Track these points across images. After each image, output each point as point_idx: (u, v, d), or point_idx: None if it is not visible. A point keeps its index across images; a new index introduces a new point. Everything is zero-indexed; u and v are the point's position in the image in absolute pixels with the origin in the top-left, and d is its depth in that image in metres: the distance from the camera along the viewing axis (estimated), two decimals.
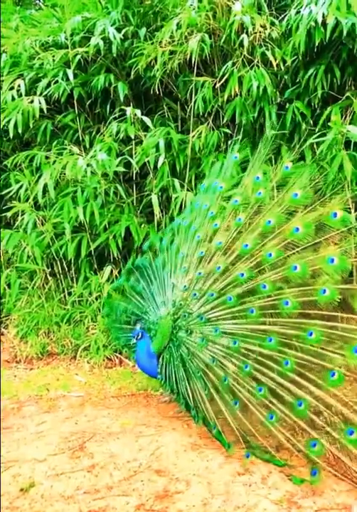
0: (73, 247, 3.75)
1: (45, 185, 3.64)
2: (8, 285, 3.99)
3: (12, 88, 3.88)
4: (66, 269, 3.96)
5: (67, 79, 3.86)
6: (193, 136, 3.67)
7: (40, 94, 3.85)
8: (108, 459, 2.34)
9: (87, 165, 3.51)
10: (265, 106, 3.40)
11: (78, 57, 3.85)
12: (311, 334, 2.20)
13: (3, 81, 3.97)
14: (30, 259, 3.82)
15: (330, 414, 2.09)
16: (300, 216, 2.40)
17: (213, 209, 2.77)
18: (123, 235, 3.66)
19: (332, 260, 2.24)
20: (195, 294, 2.61)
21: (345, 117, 3.07)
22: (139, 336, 2.64)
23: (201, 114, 3.68)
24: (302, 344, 2.22)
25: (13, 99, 3.84)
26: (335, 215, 2.31)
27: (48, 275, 3.96)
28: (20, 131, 3.76)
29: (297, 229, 2.37)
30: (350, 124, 3.01)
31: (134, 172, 3.77)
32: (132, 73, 3.83)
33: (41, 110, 3.81)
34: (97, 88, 3.83)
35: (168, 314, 2.65)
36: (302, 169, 2.55)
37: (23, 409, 2.94)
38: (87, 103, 4.07)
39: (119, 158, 3.71)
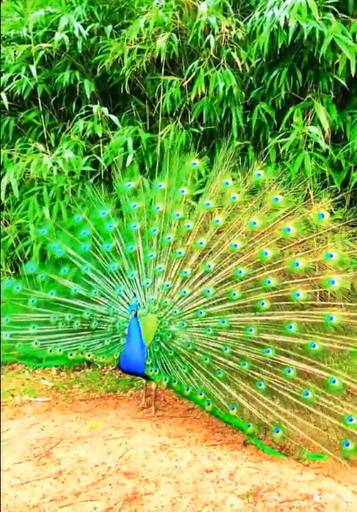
0: (38, 248, 3.64)
1: (9, 185, 3.52)
2: None
3: None
4: None
5: (30, 75, 3.75)
6: (162, 135, 3.66)
7: (1, 90, 3.72)
8: (76, 464, 2.28)
9: (53, 163, 3.43)
10: (231, 106, 3.45)
11: (42, 52, 3.75)
12: (331, 319, 2.35)
13: None
14: None
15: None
16: (290, 217, 2.55)
17: (179, 211, 2.82)
18: None
19: (331, 255, 2.42)
20: (184, 292, 2.68)
21: (307, 118, 3.17)
22: (137, 310, 2.56)
23: (169, 113, 3.68)
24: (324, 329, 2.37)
25: None
26: (322, 216, 2.50)
27: (11, 278, 3.81)
28: None
29: (288, 229, 2.51)
30: (311, 124, 3.10)
31: (102, 171, 3.72)
32: (98, 70, 3.78)
33: (3, 106, 3.68)
34: (62, 85, 3.75)
35: (148, 312, 2.70)
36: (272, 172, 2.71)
37: None
38: (52, 100, 3.97)
39: (87, 157, 3.64)
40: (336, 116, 3.21)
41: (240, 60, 3.42)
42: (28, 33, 3.76)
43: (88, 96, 3.74)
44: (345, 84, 3.15)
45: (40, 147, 3.64)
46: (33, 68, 3.73)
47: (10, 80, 3.75)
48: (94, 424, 2.66)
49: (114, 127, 3.73)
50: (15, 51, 3.73)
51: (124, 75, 3.64)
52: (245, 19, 3.57)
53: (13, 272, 3.83)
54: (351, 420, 2.18)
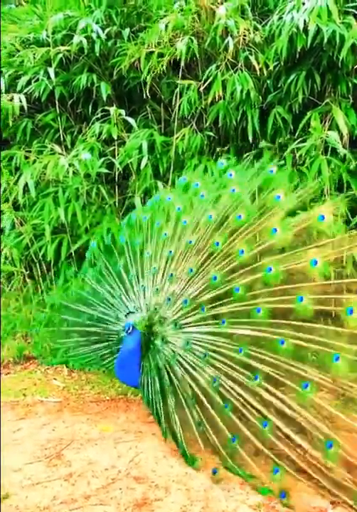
0: (53, 248, 3.67)
1: (26, 185, 3.56)
2: None
3: None
4: (45, 271, 3.88)
5: (49, 77, 3.79)
6: (177, 139, 3.66)
7: (20, 92, 3.77)
8: (86, 466, 2.28)
9: (70, 165, 3.45)
10: (248, 110, 3.42)
11: (60, 55, 3.79)
12: (282, 343, 2.09)
13: None
14: (7, 260, 3.73)
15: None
16: (281, 218, 2.30)
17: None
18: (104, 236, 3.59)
19: (315, 262, 2.14)
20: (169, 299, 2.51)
21: (325, 123, 3.12)
22: (130, 330, 2.43)
23: (185, 116, 3.67)
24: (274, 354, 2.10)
25: None
26: (322, 217, 2.21)
27: (26, 277, 3.86)
28: None
29: (275, 230, 2.24)
30: (329, 129, 3.05)
31: (117, 173, 3.73)
32: (115, 73, 3.80)
33: (21, 109, 3.73)
34: (79, 87, 3.78)
35: (142, 320, 2.50)
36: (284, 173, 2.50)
37: None
38: (69, 103, 4.01)
39: (102, 159, 3.66)
40: (355, 121, 3.15)
41: (258, 63, 3.38)
42: (47, 36, 3.81)
43: (104, 99, 3.76)
44: None
45: (57, 149, 3.68)
46: (51, 71, 3.77)
47: (28, 82, 3.81)
48: (105, 427, 2.66)
49: (129, 130, 3.75)
50: (34, 54, 3.78)
51: (140, 78, 3.65)
52: (263, 22, 3.55)
53: (28, 271, 3.87)
54: (277, 472, 1.97)
